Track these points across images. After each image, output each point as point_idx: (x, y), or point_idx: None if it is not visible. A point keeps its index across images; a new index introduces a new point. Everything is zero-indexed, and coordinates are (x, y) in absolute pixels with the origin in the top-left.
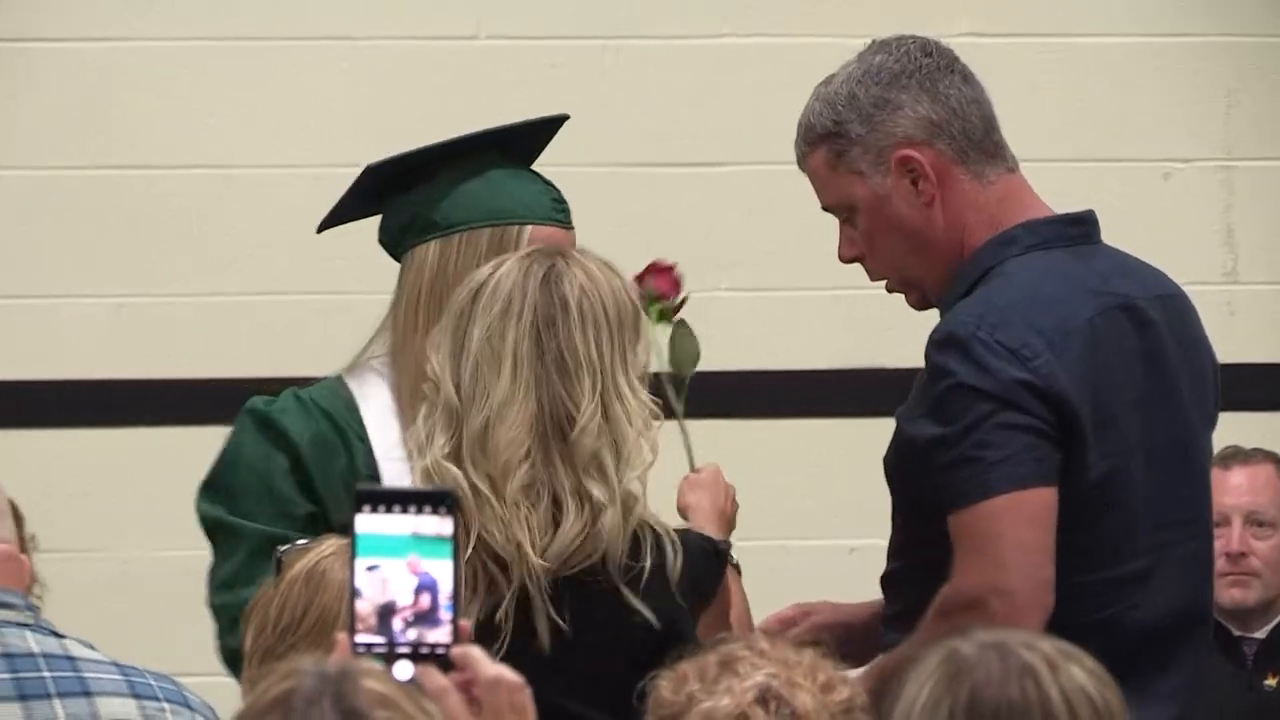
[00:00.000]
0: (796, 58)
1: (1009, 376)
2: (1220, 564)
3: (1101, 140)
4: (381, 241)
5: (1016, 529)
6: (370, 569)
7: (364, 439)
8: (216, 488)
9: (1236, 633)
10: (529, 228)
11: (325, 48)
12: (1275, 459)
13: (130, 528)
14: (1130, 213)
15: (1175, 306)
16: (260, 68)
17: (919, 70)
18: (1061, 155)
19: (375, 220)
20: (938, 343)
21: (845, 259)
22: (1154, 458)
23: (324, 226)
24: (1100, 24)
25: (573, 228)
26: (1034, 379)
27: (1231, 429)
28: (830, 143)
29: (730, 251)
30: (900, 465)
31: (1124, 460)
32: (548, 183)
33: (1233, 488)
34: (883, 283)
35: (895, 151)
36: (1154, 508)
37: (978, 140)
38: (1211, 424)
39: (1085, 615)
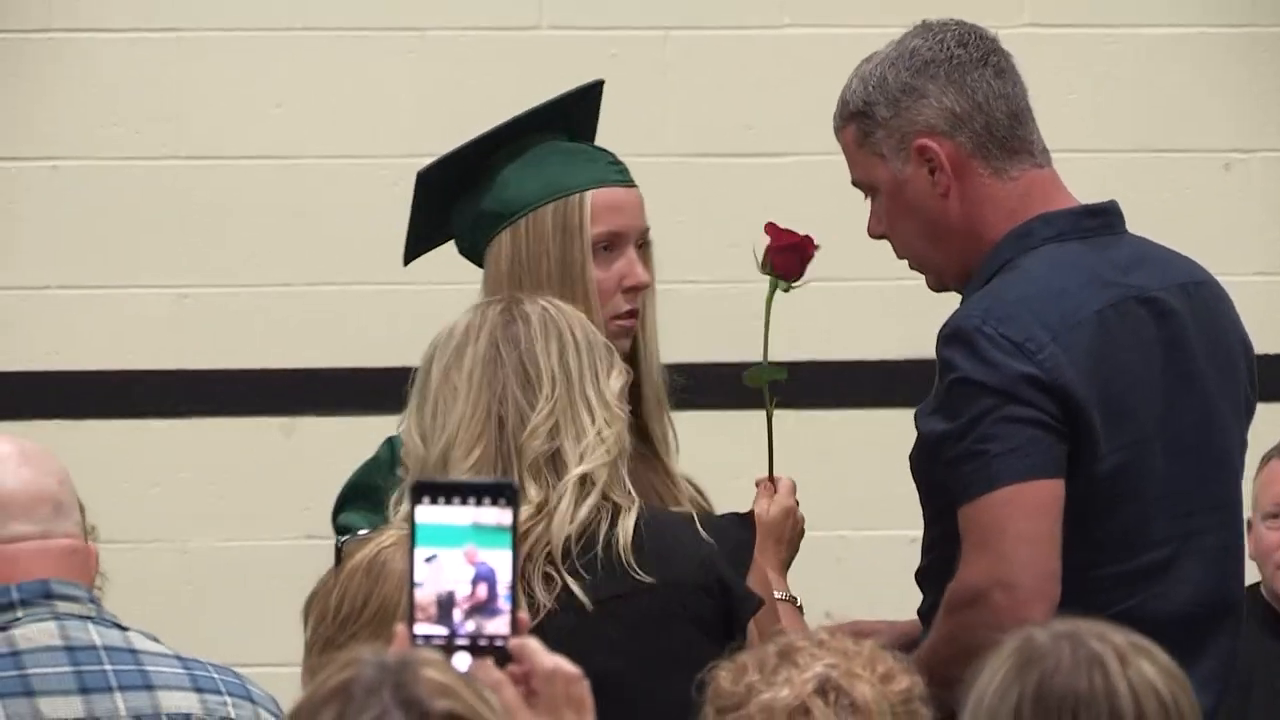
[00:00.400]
0: (857, 47)
1: (1013, 370)
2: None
3: (1163, 131)
4: (462, 252)
5: (1020, 521)
6: (429, 559)
7: None
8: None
9: None
10: (589, 194)
11: (391, 38)
12: None
13: (192, 519)
14: (1191, 204)
15: (1201, 295)
16: (326, 58)
17: (949, 60)
18: (1123, 146)
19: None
20: (945, 337)
21: (873, 235)
22: (1176, 448)
23: (408, 258)
24: (1161, 14)
25: (635, 185)
26: (1038, 372)
27: None
28: (859, 121)
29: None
30: (919, 462)
31: (1140, 451)
32: (599, 149)
33: None
34: None
35: (915, 140)
36: (1176, 498)
37: (1000, 136)
38: (1245, 411)
39: (1105, 608)
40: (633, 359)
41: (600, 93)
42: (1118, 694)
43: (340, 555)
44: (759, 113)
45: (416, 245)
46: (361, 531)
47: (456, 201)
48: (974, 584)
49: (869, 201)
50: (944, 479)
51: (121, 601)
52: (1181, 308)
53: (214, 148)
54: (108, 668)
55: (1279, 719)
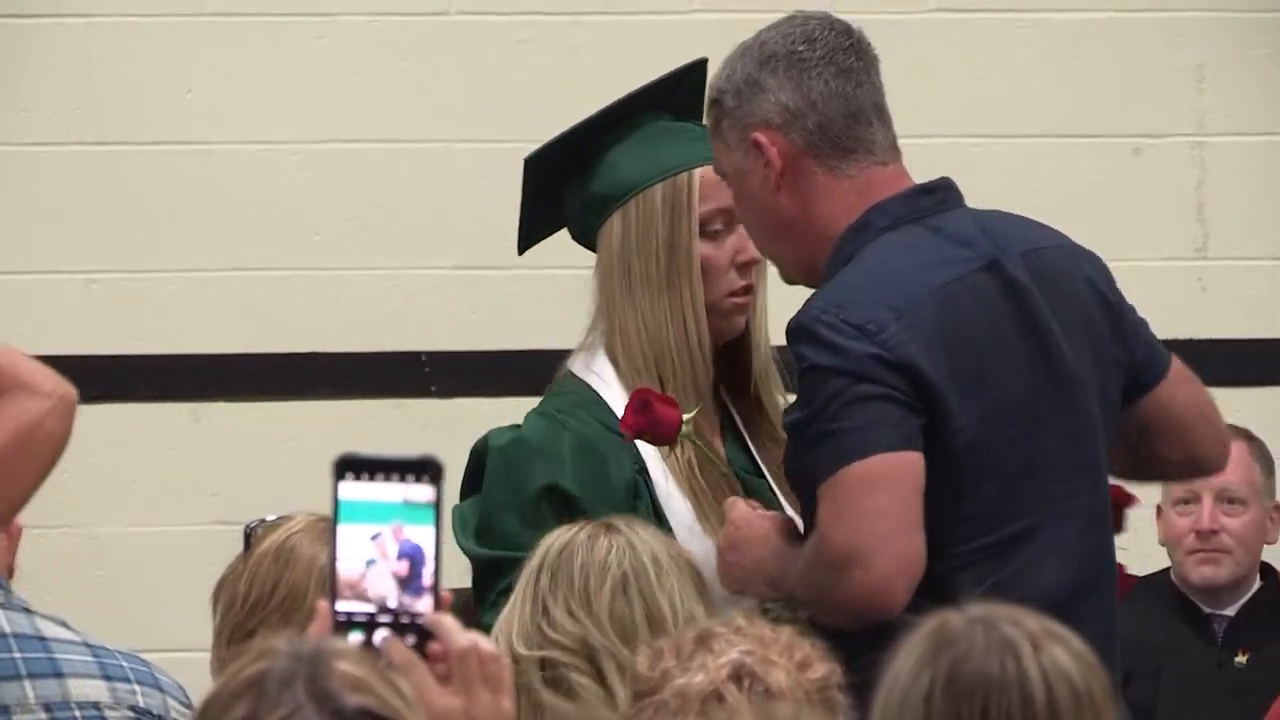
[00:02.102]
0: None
1: (859, 351)
2: (1190, 541)
3: (1073, 116)
4: (575, 238)
5: (876, 496)
6: (352, 536)
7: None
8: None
9: (1207, 610)
10: (696, 172)
11: (301, 24)
12: (1246, 435)
13: (101, 505)
14: (1102, 189)
15: (1046, 260)
16: (237, 44)
17: (789, 56)
18: (1033, 131)
19: (350, 195)
20: (791, 334)
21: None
22: (1036, 416)
23: (521, 247)
24: (1072, 0)
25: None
26: (883, 352)
27: None
28: (714, 109)
29: None
30: (788, 460)
31: (998, 422)
32: (705, 127)
33: None
34: None
35: (750, 133)
36: (1040, 466)
37: (833, 135)
38: (1115, 368)
39: (979, 581)
40: (744, 335)
41: (705, 70)
42: (1029, 679)
43: (249, 541)
44: None
45: (530, 234)
46: (269, 518)
47: (566, 187)
48: (836, 552)
49: None
50: (805, 466)
51: (30, 587)
52: (1025, 276)
53: (124, 134)
54: (16, 655)
55: (1189, 703)
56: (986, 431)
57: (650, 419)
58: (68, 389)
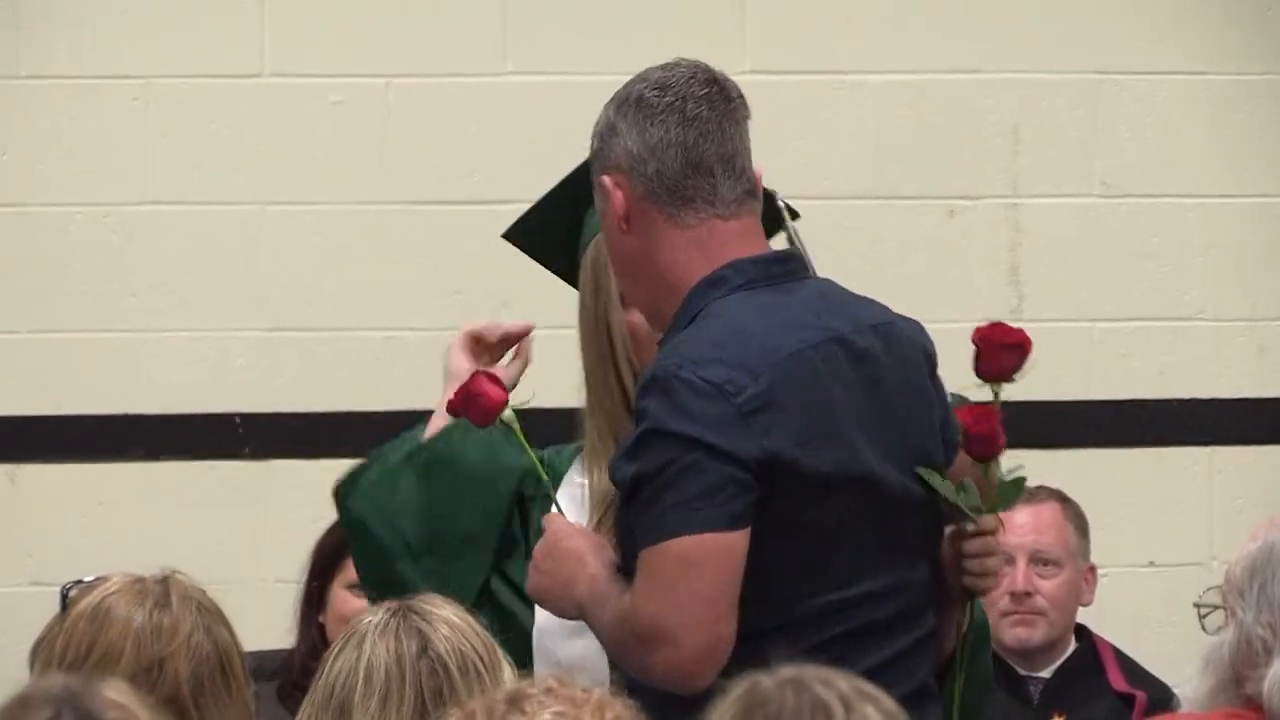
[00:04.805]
0: (579, 94)
1: (708, 416)
2: (1005, 603)
3: (888, 176)
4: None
5: (690, 579)
6: None
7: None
8: None
9: (1022, 672)
10: None
11: (115, 86)
12: (1059, 497)
13: None
14: (917, 249)
15: (892, 335)
16: (52, 104)
17: (639, 102)
18: (851, 193)
19: (163, 256)
20: (644, 385)
21: None
22: (882, 487)
23: (512, 233)
24: (888, 61)
25: None
26: (736, 415)
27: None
28: (591, 154)
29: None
30: (618, 513)
31: (850, 491)
32: None
33: (1017, 526)
34: None
35: (601, 175)
36: (883, 539)
37: (670, 184)
38: (942, 446)
39: (811, 639)
40: None
41: None
42: None
43: (65, 602)
44: (482, 160)
45: (527, 238)
46: (87, 579)
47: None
48: (646, 627)
49: None
50: (631, 524)
51: None
52: (875, 348)
53: None
54: None
55: None
56: (841, 496)
57: (465, 396)
58: None
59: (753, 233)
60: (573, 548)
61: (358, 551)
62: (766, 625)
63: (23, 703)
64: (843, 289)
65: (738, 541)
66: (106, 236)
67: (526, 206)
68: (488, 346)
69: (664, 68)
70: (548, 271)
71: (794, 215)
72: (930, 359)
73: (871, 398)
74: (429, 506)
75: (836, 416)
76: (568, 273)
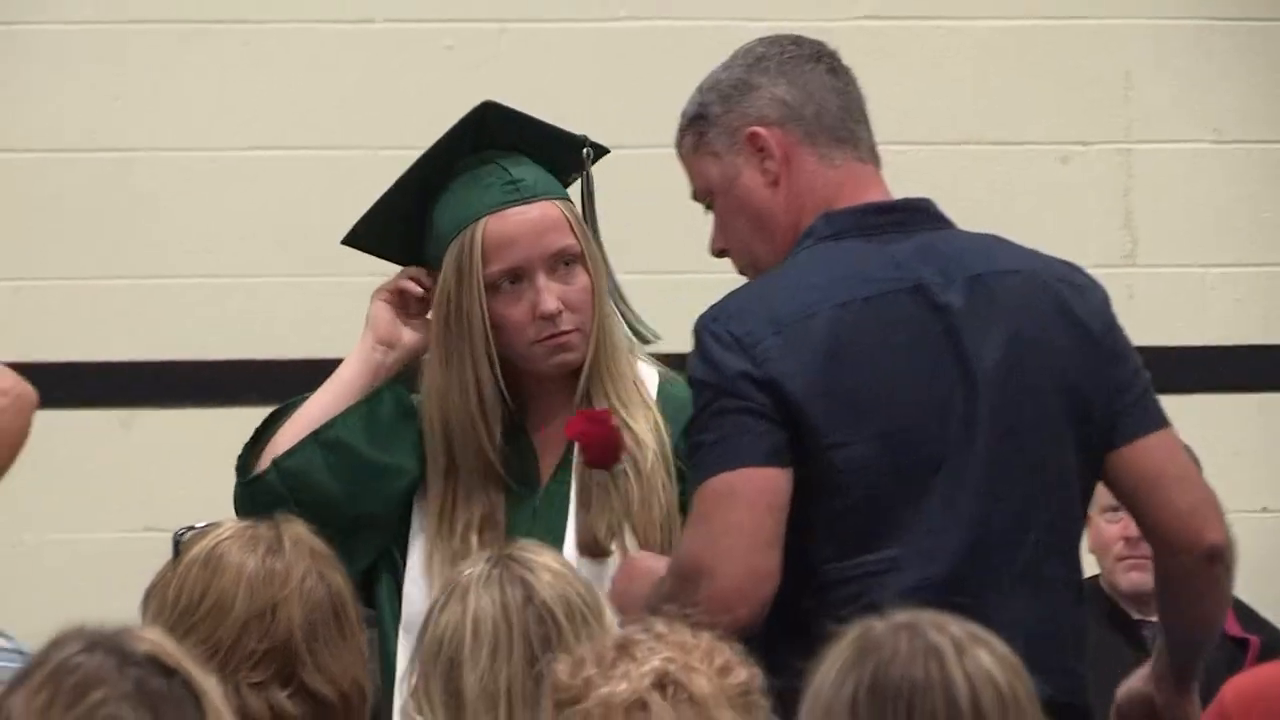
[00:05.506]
0: (693, 41)
1: (729, 366)
2: (1120, 548)
3: (1001, 124)
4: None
5: (726, 512)
6: None
7: None
8: None
9: (1135, 616)
10: (481, 222)
11: (226, 31)
12: None
13: (31, 512)
14: (1030, 196)
15: (1003, 284)
16: (162, 51)
17: (780, 54)
18: (961, 138)
19: (295, 202)
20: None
21: (714, 252)
22: (941, 439)
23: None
24: (1000, 7)
25: (540, 197)
26: (751, 367)
27: None
28: (695, 126)
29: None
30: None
31: (884, 443)
32: (504, 166)
33: None
34: None
35: (746, 130)
36: (928, 491)
37: (829, 124)
38: (1073, 397)
39: (841, 605)
40: (596, 355)
41: (491, 109)
42: (954, 683)
43: (178, 548)
44: (592, 106)
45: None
46: (199, 525)
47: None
48: (685, 564)
49: (713, 218)
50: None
51: None
52: (962, 301)
53: (51, 141)
54: None
55: None
56: (866, 453)
57: (596, 445)
58: (25, 388)
59: (880, 181)
60: (653, 565)
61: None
62: (794, 587)
63: (56, 641)
64: (968, 236)
65: (774, 477)
66: (218, 183)
67: (638, 151)
68: (410, 301)
69: (759, 39)
70: (652, 219)
71: (602, 152)
72: (1071, 314)
73: (943, 352)
74: (326, 484)
75: (877, 371)
76: (413, 263)
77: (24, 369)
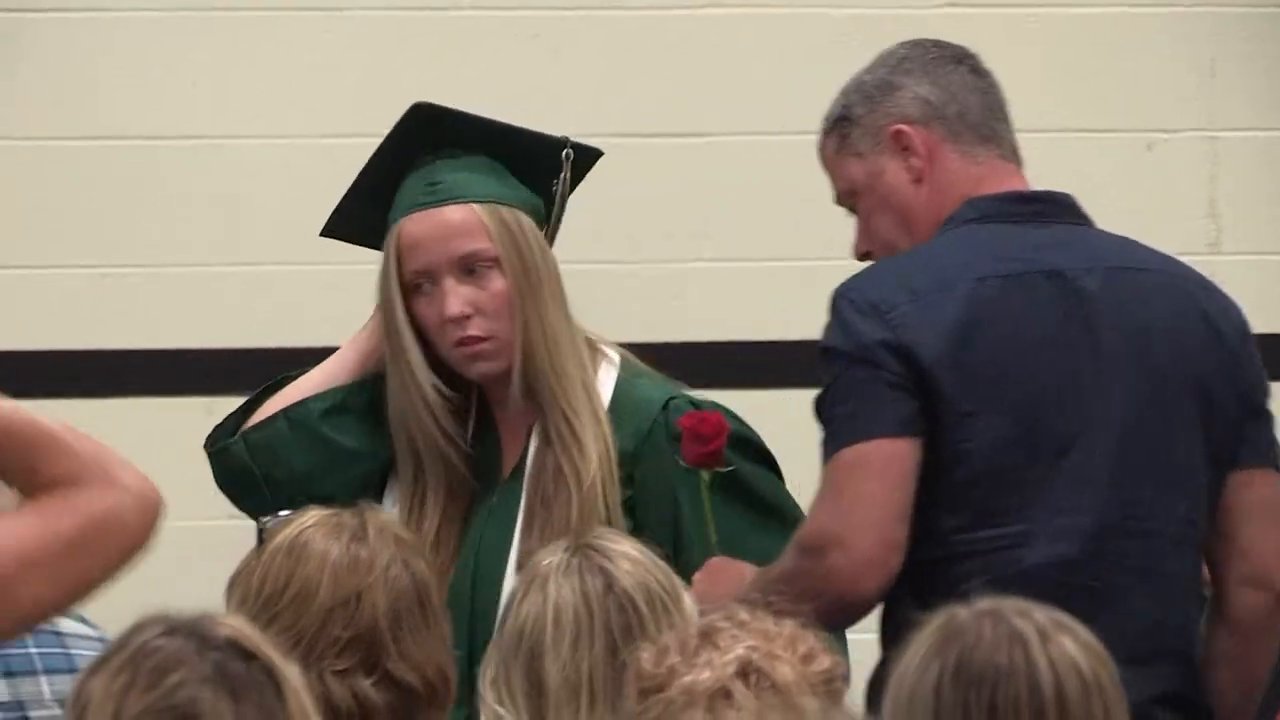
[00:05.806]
0: (778, 28)
1: (863, 332)
2: None
3: (1084, 111)
4: None
5: (858, 482)
6: None
7: None
8: None
9: None
10: (399, 224)
11: (307, 18)
12: None
13: None
14: (1114, 184)
15: (1139, 280)
16: (245, 37)
17: (924, 56)
18: (1044, 126)
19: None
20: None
21: (858, 255)
22: (1060, 419)
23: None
24: None
25: (455, 200)
26: (886, 333)
27: None
28: (838, 128)
29: (710, 222)
30: None
31: (1013, 419)
32: (434, 168)
33: None
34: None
35: (890, 127)
36: (1051, 471)
37: (973, 122)
38: (1203, 401)
39: (967, 578)
40: (529, 369)
41: (433, 107)
42: (1038, 670)
43: (263, 536)
44: (677, 93)
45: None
46: (284, 513)
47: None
48: (815, 535)
49: (857, 220)
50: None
51: None
52: (1098, 288)
53: (133, 128)
54: (33, 651)
55: None
56: (998, 425)
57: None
58: (151, 489)
59: (1019, 178)
60: (737, 565)
61: (241, 493)
62: (920, 556)
63: (137, 625)
64: (1102, 235)
65: (906, 448)
66: (295, 170)
67: (728, 139)
68: None
69: (902, 42)
70: (736, 207)
71: (590, 154)
72: (1210, 322)
73: (1075, 337)
74: (289, 461)
75: (1013, 347)
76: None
77: (109, 356)
